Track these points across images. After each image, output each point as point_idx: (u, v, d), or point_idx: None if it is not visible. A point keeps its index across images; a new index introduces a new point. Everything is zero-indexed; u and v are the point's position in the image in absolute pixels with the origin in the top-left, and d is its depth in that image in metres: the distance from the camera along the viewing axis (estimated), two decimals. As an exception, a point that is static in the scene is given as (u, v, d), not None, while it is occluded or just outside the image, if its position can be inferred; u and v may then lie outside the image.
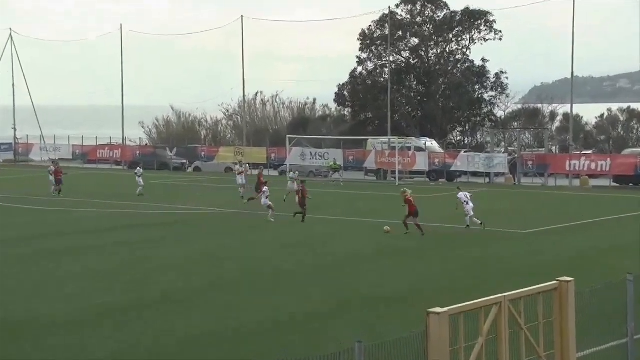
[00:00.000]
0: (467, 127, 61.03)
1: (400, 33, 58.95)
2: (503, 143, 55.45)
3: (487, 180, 44.83)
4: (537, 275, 16.54)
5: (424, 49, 59.74)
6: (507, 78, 59.43)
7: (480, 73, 59.32)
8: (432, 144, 48.88)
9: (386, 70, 57.38)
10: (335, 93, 61.08)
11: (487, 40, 58.88)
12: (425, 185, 43.14)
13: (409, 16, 59.37)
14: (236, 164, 50.29)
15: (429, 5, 59.08)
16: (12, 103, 63.33)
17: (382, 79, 58.50)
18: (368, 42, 59.31)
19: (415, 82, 60.54)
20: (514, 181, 43.98)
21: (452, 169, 45.49)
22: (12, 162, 60.42)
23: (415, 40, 59.71)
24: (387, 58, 57.73)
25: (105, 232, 24.85)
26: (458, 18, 58.80)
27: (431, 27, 59.40)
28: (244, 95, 59.93)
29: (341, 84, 60.54)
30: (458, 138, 61.56)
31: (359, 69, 59.95)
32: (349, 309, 14.80)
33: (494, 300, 8.42)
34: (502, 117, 61.55)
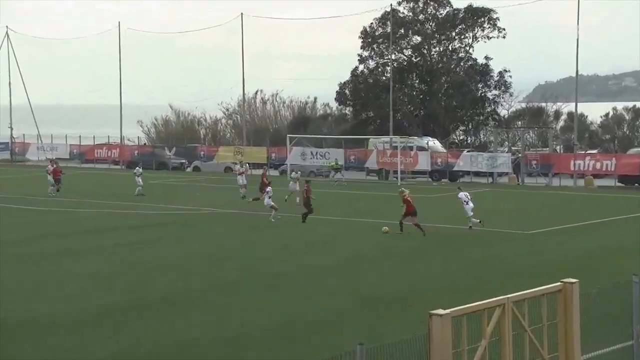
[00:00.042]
0: (470, 126, 60.99)
1: (403, 31, 58.92)
2: (506, 142, 55.41)
3: (490, 180, 44.82)
4: (540, 276, 16.55)
5: (426, 47, 59.72)
6: (510, 76, 59.43)
7: (483, 71, 59.28)
8: (434, 143, 48.85)
9: (388, 68, 57.36)
10: (337, 92, 61.05)
11: (491, 38, 58.88)
12: (428, 185, 43.14)
13: (411, 14, 59.36)
14: (236, 163, 50.45)
15: (432, 3, 59.06)
16: (9, 102, 63.38)
17: (384, 78, 58.48)
18: (370, 40, 59.28)
19: (417, 81, 60.52)
20: (518, 181, 43.97)
21: (455, 168, 45.48)
22: (8, 161, 60.47)
23: (417, 38, 59.69)
24: (389, 56, 57.72)
25: (104, 232, 24.91)
26: (461, 16, 58.77)
27: (434, 24, 59.37)
28: (243, 94, 60.00)
29: (342, 82, 60.53)
30: (461, 137, 61.53)
31: (361, 67, 59.95)
32: (350, 310, 14.84)
33: (498, 302, 8.43)
34: (506, 116, 61.52)
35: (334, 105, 65.57)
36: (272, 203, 27.35)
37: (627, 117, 61.36)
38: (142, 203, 32.90)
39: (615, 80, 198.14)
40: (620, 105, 64.30)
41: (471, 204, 25.11)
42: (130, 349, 12.42)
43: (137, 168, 37.97)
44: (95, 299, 15.69)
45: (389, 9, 56.37)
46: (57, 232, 25.03)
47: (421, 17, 59.38)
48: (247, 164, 41.17)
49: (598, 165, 42.40)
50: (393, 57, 58.10)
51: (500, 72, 59.25)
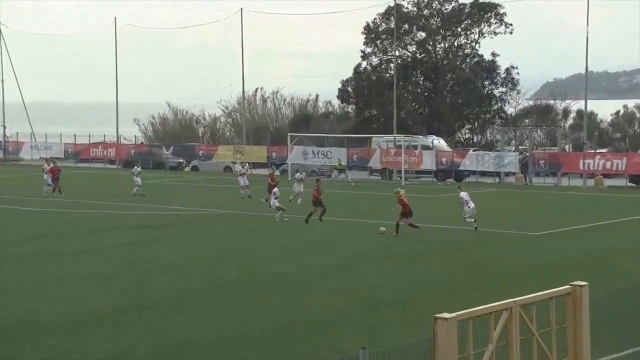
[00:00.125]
0: (476, 125, 60.97)
1: (407, 26, 58.91)
2: (514, 141, 55.43)
3: (497, 180, 44.80)
4: (543, 278, 16.63)
5: (431, 43, 59.70)
6: (518, 73, 59.41)
7: (490, 68, 59.25)
8: (439, 142, 48.84)
9: (392, 65, 57.35)
10: (339, 89, 61.05)
11: (497, 33, 58.88)
12: (433, 185, 43.13)
13: (415, 9, 59.34)
14: (235, 163, 50.47)
15: (437, -2, 59.06)
16: (1, 99, 63.45)
17: (387, 75, 58.46)
18: (373, 35, 59.27)
19: (422, 78, 60.50)
20: (525, 181, 43.94)
21: (461, 168, 45.45)
22: (1, 161, 60.48)
23: (422, 34, 59.67)
24: (393, 52, 57.70)
25: (103, 233, 25.05)
26: (467, 11, 58.74)
27: (439, 20, 59.34)
28: (243, 92, 59.99)
29: (345, 79, 60.53)
30: (467, 136, 61.51)
31: (364, 64, 59.97)
32: (350, 310, 14.94)
33: (504, 305, 8.42)
34: (513, 114, 61.49)
35: (336, 103, 65.57)
36: (278, 204, 27.47)
37: (638, 115, 61.35)
38: (140, 203, 32.94)
39: (626, 77, 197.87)
40: (631, 103, 64.27)
41: (472, 204, 25.28)
42: (130, 349, 12.57)
43: (136, 167, 37.98)
44: (95, 299, 15.89)
45: (392, 4, 56.40)
46: (56, 233, 25.19)
47: (426, 12, 59.35)
48: (247, 164, 41.17)
49: (608, 165, 42.34)
50: (397, 53, 58.07)
51: (507, 69, 59.24)
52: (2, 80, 63.51)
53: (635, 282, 10.21)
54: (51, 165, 37.61)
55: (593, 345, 9.26)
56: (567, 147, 54.63)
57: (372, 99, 58.55)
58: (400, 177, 44.69)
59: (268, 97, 69.13)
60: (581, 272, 15.62)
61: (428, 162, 45.78)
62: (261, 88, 69.15)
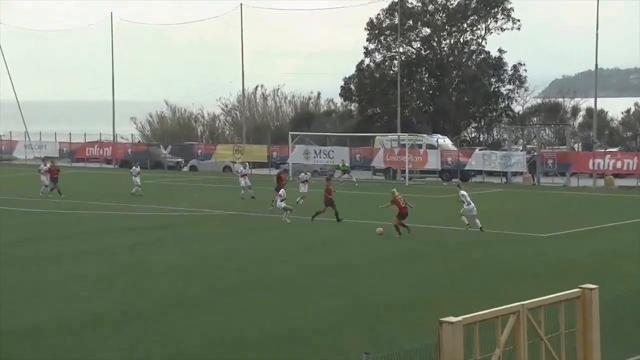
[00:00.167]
0: (482, 123, 60.94)
1: (411, 22, 58.89)
2: (521, 140, 55.37)
3: (504, 180, 44.75)
4: (548, 281, 16.61)
5: (436, 39, 59.67)
6: (525, 70, 59.37)
7: (496, 65, 59.20)
8: (444, 141, 48.80)
9: (395, 62, 57.34)
10: (341, 87, 61.05)
11: (504, 29, 58.81)
12: (438, 185, 43.11)
13: (420, 4, 59.29)
14: (235, 162, 50.46)
15: (442, -8, 59.04)
16: (-5, 97, 63.52)
17: (391, 72, 58.45)
18: (376, 32, 59.26)
19: (426, 75, 60.48)
20: (533, 181, 43.90)
21: (466, 168, 45.42)
22: (-6, 160, 60.52)
23: (426, 30, 59.65)
24: (397, 49, 57.68)
25: (102, 234, 25.20)
26: (473, 6, 58.69)
27: (444, 15, 59.31)
28: (243, 89, 59.98)
29: (347, 77, 60.52)
30: (473, 135, 61.50)
31: (367, 60, 59.96)
32: (351, 312, 15.00)
33: (512, 308, 8.39)
34: (520, 112, 61.45)
35: (338, 101, 65.58)
36: (284, 205, 27.61)
37: (649, 113, 61.24)
38: (138, 204, 33.01)
39: (637, 74, 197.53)
40: (642, 101, 64.11)
41: (472, 204, 25.37)
42: (130, 350, 12.73)
43: (134, 167, 38.00)
44: (95, 300, 16.11)
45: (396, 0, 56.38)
46: (56, 234, 25.35)
47: (431, 7, 59.32)
48: (248, 164, 41.20)
49: (619, 165, 42.28)
50: (401, 50, 58.05)
51: (514, 66, 59.18)
52: (-5, 78, 63.62)
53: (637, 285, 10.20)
54: (48, 165, 37.36)
55: (603, 350, 9.23)
56: (576, 146, 54.58)
57: (375, 96, 58.52)
58: (404, 177, 44.67)
59: (269, 95, 69.17)
60: (588, 275, 15.61)
61: (433, 161, 45.73)
62: (261, 86, 69.21)
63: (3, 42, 64.27)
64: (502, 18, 58.47)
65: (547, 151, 47.20)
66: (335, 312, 14.84)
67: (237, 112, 66.98)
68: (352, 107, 63.58)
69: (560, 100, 63.12)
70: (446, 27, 59.32)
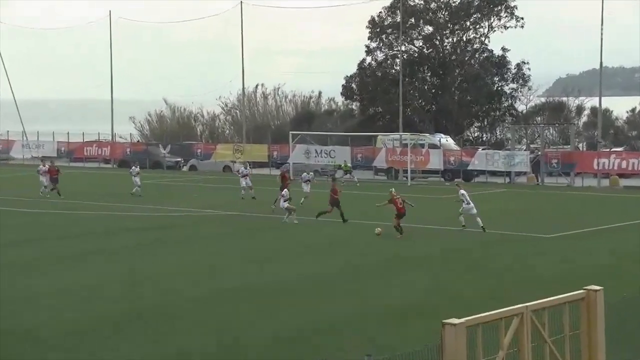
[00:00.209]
0: (485, 123, 60.96)
1: (413, 20, 58.92)
2: (525, 140, 55.38)
3: (508, 180, 44.76)
4: (551, 283, 16.63)
5: (438, 37, 59.68)
6: (529, 69, 59.39)
7: (500, 64, 59.21)
8: (447, 140, 48.82)
9: (397, 60, 57.34)
10: (343, 85, 61.09)
11: (508, 27, 58.82)
12: (440, 185, 43.11)
13: (422, 2, 59.31)
14: (235, 162, 50.49)
15: (444, -10, 59.04)
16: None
17: (393, 71, 58.47)
18: (378, 30, 59.28)
19: (429, 74, 60.49)
20: (537, 181, 43.89)
21: (469, 167, 45.42)
22: (-9, 160, 60.54)
23: (429, 28, 59.66)
24: (399, 47, 57.69)
25: (101, 234, 25.28)
26: (476, 4, 58.70)
27: (447, 13, 59.33)
28: (243, 88, 59.99)
29: (349, 75, 60.56)
30: (475, 134, 61.50)
31: (368, 59, 59.98)
32: (352, 313, 15.02)
33: (515, 310, 8.38)
34: (524, 111, 61.44)
35: (339, 100, 65.64)
36: (287, 205, 27.68)
37: (654, 113, 61.22)
38: (137, 204, 33.05)
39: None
40: (647, 100, 64.10)
41: (472, 204, 25.46)
42: (130, 350, 12.82)
43: (133, 167, 38.03)
44: (95, 300, 16.22)
45: (398, -3, 56.35)
46: (54, 234, 25.44)
47: (433, 5, 59.32)
48: (249, 164, 41.23)
49: (624, 164, 42.27)
50: (403, 48, 58.07)
51: (518, 64, 59.18)
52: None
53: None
54: (47, 165, 37.15)
55: (608, 352, 9.22)
56: (580, 145, 54.58)
57: (377, 95, 58.55)
58: (406, 177, 44.68)
59: (269, 94, 69.23)
60: (592, 276, 15.59)
61: (435, 161, 45.74)
62: (262, 84, 69.27)
63: (3, 41, 64.26)
64: (506, 16, 58.49)
65: (551, 151, 47.19)
66: (340, 320, 14.80)
67: (237, 111, 67.02)
68: (354, 106, 63.60)
69: (565, 99, 63.11)
70: (449, 25, 59.32)
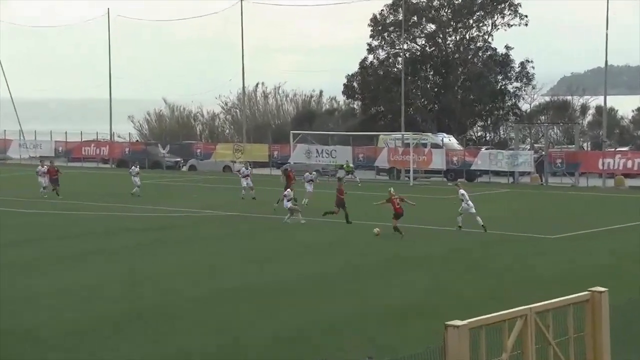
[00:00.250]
0: (488, 122, 60.93)
1: (415, 18, 58.90)
2: (529, 139, 55.36)
3: (511, 180, 44.75)
4: (555, 284, 16.66)
5: (441, 35, 59.68)
6: (533, 67, 59.36)
7: (503, 62, 59.19)
8: (450, 140, 48.81)
9: (400, 59, 57.33)
10: (344, 84, 61.09)
11: (512, 25, 58.81)
12: (443, 185, 43.09)
13: (424, -1, 59.33)
14: (235, 162, 50.51)
15: (447, -12, 59.01)
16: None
17: (395, 69, 58.46)
18: (380, 28, 59.29)
19: (431, 73, 60.49)
20: (541, 181, 43.88)
21: (472, 167, 45.41)
22: (-12, 160, 60.57)
23: (431, 26, 59.65)
24: (401, 46, 57.68)
25: (100, 235, 25.37)
26: (479, 1, 58.69)
27: (449, 11, 59.31)
28: (243, 87, 59.99)
29: (350, 74, 60.56)
30: (479, 134, 61.49)
31: (370, 57, 59.97)
32: (355, 318, 15.00)
33: (519, 312, 8.38)
34: (528, 110, 61.44)
35: (341, 99, 65.67)
36: (291, 205, 27.74)
37: (660, 112, 61.18)
38: (137, 205, 33.11)
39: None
40: (654, 99, 64.06)
41: (471, 203, 25.55)
42: (130, 350, 12.90)
43: (133, 167, 38.06)
44: (95, 300, 16.33)
45: (400, -5, 56.32)
46: (54, 235, 25.52)
47: (436, 3, 59.31)
48: (249, 163, 41.26)
49: (629, 164, 42.24)
50: (405, 46, 58.04)
51: (521, 63, 59.17)
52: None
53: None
54: (46, 166, 36.83)
55: (613, 354, 9.22)
56: (585, 145, 54.55)
57: (379, 94, 58.55)
58: (409, 177, 44.67)
59: (269, 92, 69.24)
60: (597, 278, 15.59)
61: (438, 161, 45.73)
62: (262, 83, 69.27)
63: (2, 40, 64.27)
64: (509, 14, 58.45)
65: (555, 150, 47.17)
66: (341, 322, 14.83)
67: (237, 111, 67.02)
68: (355, 106, 63.61)
69: (569, 98, 63.09)
70: (452, 23, 59.30)
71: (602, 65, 48.46)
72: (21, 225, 27.80)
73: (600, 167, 42.89)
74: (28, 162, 56.53)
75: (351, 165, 45.28)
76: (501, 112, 59.87)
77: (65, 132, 58.90)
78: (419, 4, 59.15)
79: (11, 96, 63.14)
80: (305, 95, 69.07)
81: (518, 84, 59.52)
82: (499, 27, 58.88)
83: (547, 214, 30.97)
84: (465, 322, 7.84)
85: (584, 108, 62.50)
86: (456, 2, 59.06)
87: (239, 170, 38.41)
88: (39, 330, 14.10)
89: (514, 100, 59.80)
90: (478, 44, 59.64)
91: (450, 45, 59.88)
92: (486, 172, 45.49)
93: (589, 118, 62.23)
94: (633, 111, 63.22)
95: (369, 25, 59.65)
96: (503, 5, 58.38)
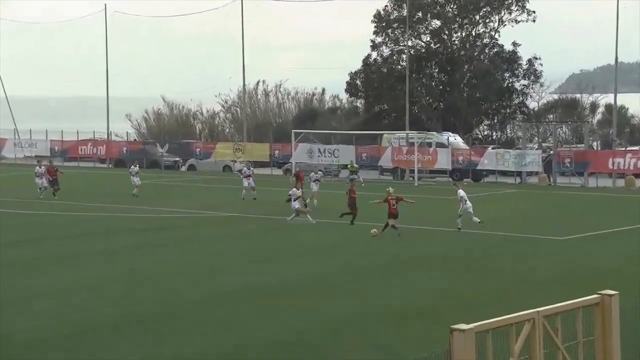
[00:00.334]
0: (495, 120, 60.90)
1: (420, 14, 58.87)
2: (536, 138, 55.35)
3: (519, 180, 44.72)
4: (562, 287, 16.66)
5: (446, 32, 59.64)
6: (541, 65, 59.28)
7: (510, 59, 59.13)
8: (455, 139, 48.79)
9: (404, 56, 57.34)
10: (347, 82, 61.08)
11: (519, 22, 58.76)
12: (448, 185, 43.02)
13: (429, -5, 59.29)
14: (234, 161, 50.54)
15: (453, -17, 59.00)
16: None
17: (399, 66, 58.46)
18: (384, 24, 59.26)
19: (436, 70, 60.45)
20: (549, 181, 43.85)
21: (479, 167, 45.40)
22: (-18, 160, 60.62)
23: (437, 23, 59.62)
24: (405, 42, 57.68)
25: (100, 236, 25.46)
26: (486, -3, 58.63)
27: (455, 7, 59.28)
28: (244, 85, 60.01)
29: (353, 72, 60.55)
30: (485, 132, 61.45)
31: (374, 54, 59.97)
32: (355, 318, 15.05)
33: (527, 316, 8.36)
34: (536, 108, 61.38)
35: (344, 97, 65.62)
36: (299, 205, 27.86)
37: (672, 110, 61.12)
38: (136, 205, 33.17)
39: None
40: (665, 97, 63.98)
41: (469, 203, 25.60)
42: (129, 352, 12.97)
43: (133, 167, 38.09)
44: (95, 302, 16.45)
45: (405, -10, 56.32)
46: (54, 235, 25.62)
47: (441, -2, 59.27)
48: (250, 163, 41.28)
49: None
50: (410, 43, 58.03)
51: (529, 60, 59.10)
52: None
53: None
54: (44, 166, 36.65)
55: (623, 359, 9.20)
56: (594, 144, 54.50)
57: (382, 92, 58.52)
58: (413, 177, 44.67)
59: (270, 90, 69.27)
60: (606, 280, 15.61)
61: (443, 160, 45.71)
62: (263, 81, 69.29)
63: (2, 39, 64.36)
64: (517, 10, 58.40)
65: (564, 150, 47.14)
66: (343, 324, 14.87)
67: (238, 109, 67.06)
68: (359, 104, 63.60)
69: (578, 96, 63.02)
70: (457, 19, 59.26)
71: (612, 62, 48.47)
72: (21, 225, 27.97)
73: (610, 166, 42.85)
74: (23, 162, 56.61)
75: (356, 165, 45.23)
76: (508, 110, 59.80)
77: (62, 131, 58.91)
78: (424, -1, 59.14)
79: (6, 94, 63.24)
80: (307, 93, 69.14)
81: (525, 82, 59.46)
82: (506, 23, 58.86)
83: (554, 215, 30.95)
84: (471, 325, 7.82)
85: (594, 106, 62.46)
86: (462, -2, 59.02)
87: (239, 170, 38.45)
88: (39, 330, 14.21)
89: (521, 98, 59.72)
90: (484, 41, 59.60)
91: (456, 42, 59.85)
92: (493, 172, 45.47)
93: (598, 116, 62.19)
94: (644, 109, 63.15)
95: (372, 21, 59.67)
96: (510, 1, 58.32)
